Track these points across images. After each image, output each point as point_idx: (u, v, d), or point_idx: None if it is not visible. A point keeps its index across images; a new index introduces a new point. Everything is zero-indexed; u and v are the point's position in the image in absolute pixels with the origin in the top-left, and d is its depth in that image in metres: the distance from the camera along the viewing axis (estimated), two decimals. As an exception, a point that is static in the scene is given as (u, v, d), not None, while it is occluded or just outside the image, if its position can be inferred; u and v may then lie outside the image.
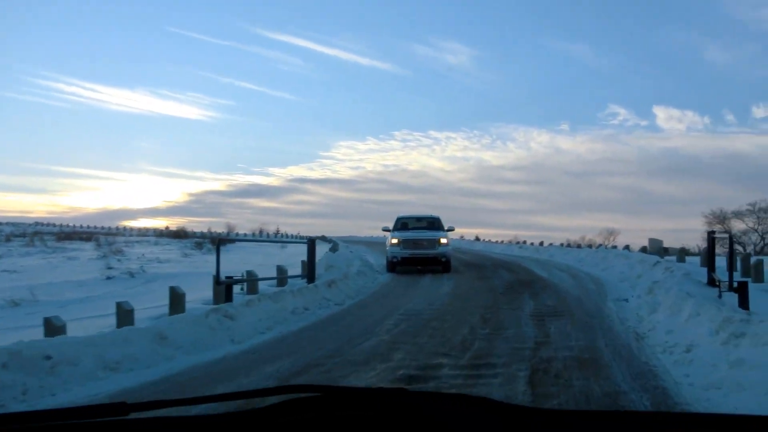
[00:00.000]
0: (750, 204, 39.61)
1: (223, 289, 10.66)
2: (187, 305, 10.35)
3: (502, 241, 37.81)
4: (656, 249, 20.58)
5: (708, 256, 11.28)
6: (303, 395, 1.21)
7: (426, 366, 6.53)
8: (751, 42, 75.85)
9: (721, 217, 39.43)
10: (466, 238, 44.41)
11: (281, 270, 14.26)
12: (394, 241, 18.58)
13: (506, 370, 6.26)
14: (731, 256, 9.32)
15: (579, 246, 29.05)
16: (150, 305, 11.74)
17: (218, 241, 10.86)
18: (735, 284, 8.64)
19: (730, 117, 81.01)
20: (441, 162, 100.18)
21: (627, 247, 22.16)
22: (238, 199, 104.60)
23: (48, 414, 1.20)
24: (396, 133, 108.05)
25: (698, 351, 6.29)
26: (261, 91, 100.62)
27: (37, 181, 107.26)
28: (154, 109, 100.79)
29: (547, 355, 6.93)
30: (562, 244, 29.35)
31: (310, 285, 12.43)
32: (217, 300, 10.80)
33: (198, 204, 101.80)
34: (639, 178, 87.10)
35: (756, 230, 39.27)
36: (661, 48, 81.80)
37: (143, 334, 7.36)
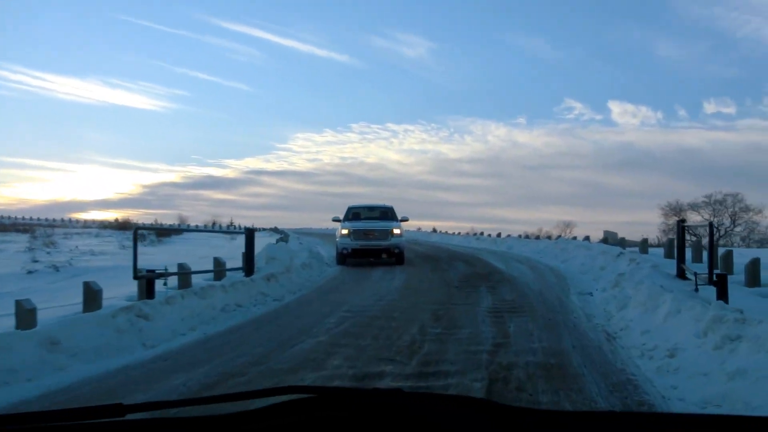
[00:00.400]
0: (706, 196, 39.92)
1: (145, 284, 9.42)
2: (108, 302, 9.16)
3: (460, 233, 37.32)
4: (616, 240, 19.97)
5: (678, 247, 10.48)
6: (298, 396, 1.19)
7: (365, 375, 5.53)
8: (702, 39, 77.26)
9: (677, 209, 39.59)
10: (423, 229, 43.91)
11: (218, 262, 13.02)
12: (344, 231, 17.59)
13: (460, 379, 5.29)
14: (712, 247, 8.47)
15: (537, 237, 28.43)
16: (66, 303, 10.47)
17: (135, 230, 9.57)
18: (714, 277, 7.77)
19: (682, 112, 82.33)
20: (399, 155, 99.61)
21: (587, 239, 21.45)
22: (193, 191, 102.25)
23: (45, 415, 1.20)
24: (353, 125, 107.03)
25: (684, 356, 5.31)
26: (216, 81, 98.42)
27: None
28: (106, 99, 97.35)
29: (507, 360, 5.95)
30: (520, 236, 28.78)
31: (247, 279, 11.22)
32: (141, 296, 9.55)
33: (152, 196, 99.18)
34: (594, 172, 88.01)
35: (711, 222, 39.41)
36: (615, 44, 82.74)
37: (28, 339, 6.15)
